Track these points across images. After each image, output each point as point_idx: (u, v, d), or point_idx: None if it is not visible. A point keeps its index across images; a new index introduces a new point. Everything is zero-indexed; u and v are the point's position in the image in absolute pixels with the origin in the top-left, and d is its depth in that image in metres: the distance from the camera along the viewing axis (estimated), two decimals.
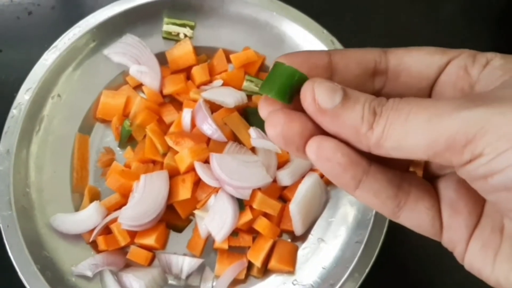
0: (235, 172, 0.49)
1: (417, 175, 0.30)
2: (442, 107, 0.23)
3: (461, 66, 0.27)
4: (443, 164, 0.25)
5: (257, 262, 0.51)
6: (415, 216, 0.27)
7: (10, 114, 0.53)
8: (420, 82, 0.29)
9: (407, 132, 0.23)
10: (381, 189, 0.26)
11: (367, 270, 0.49)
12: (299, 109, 0.26)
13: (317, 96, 0.25)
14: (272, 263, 0.51)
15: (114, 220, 0.51)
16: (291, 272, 0.51)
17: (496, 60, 0.26)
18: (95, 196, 0.54)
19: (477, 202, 0.27)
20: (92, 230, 0.51)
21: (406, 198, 0.27)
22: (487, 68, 0.26)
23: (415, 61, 0.29)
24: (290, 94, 0.26)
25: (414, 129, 0.23)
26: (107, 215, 0.51)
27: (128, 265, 0.52)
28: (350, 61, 0.29)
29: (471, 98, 0.23)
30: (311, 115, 0.25)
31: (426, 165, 0.31)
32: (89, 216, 0.51)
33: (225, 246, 0.51)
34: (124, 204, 0.51)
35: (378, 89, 0.30)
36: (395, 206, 0.27)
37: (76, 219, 0.51)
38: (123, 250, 0.52)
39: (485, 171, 0.23)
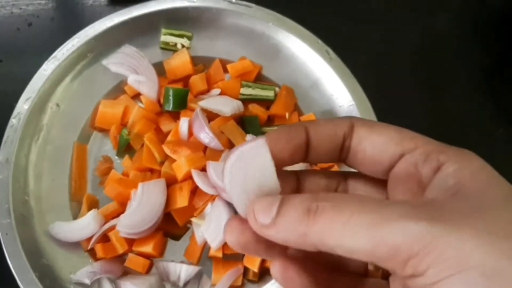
0: None
1: (373, 279, 0.30)
2: (386, 214, 0.23)
3: (412, 163, 0.27)
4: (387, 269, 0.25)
5: (254, 267, 0.51)
6: None
7: (10, 123, 0.53)
8: (374, 166, 0.29)
9: (348, 234, 0.23)
10: None
11: None
12: None
13: (256, 215, 0.25)
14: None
15: (112, 228, 0.51)
16: None
17: (449, 164, 0.26)
18: (93, 205, 0.54)
19: None
20: (90, 238, 0.51)
21: None
22: (438, 174, 0.26)
23: (370, 147, 0.29)
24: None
25: (356, 232, 0.23)
26: (105, 223, 0.52)
27: (126, 272, 0.52)
28: (323, 138, 0.30)
29: (418, 206, 0.23)
30: (258, 232, 0.26)
31: None
32: (87, 224, 0.51)
33: (219, 255, 0.51)
34: (122, 212, 0.52)
35: (343, 158, 0.30)
36: None
37: (74, 227, 0.51)
38: (121, 258, 0.52)
39: None
